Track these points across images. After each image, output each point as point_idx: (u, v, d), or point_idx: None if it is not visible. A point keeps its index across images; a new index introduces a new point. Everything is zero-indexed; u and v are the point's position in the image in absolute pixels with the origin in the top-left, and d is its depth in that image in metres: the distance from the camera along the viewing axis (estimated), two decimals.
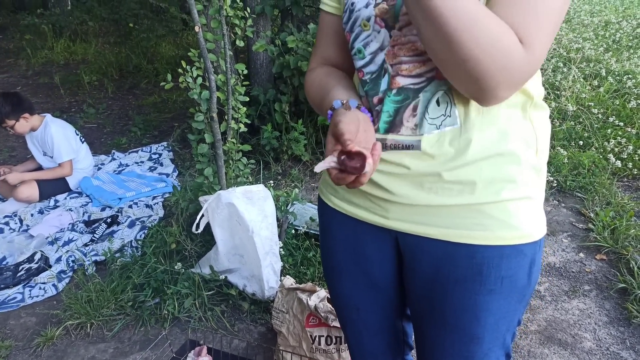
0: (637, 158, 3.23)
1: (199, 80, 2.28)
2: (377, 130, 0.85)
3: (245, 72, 2.50)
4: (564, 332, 2.04)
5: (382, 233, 0.91)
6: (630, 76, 4.75)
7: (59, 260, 2.52)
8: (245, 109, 2.53)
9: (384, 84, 0.84)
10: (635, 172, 3.15)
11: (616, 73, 4.94)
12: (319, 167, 0.76)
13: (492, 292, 0.85)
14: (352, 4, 0.86)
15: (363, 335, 1.07)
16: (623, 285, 2.22)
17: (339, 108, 0.82)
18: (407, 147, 0.83)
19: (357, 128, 0.76)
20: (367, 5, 0.84)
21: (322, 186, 1.03)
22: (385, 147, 0.85)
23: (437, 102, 0.80)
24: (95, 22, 8.34)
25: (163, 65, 6.33)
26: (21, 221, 2.97)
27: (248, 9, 2.40)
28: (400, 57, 0.81)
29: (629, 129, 3.62)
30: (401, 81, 0.82)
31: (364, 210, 0.92)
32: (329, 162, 0.76)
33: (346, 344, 1.72)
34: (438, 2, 0.65)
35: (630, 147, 3.31)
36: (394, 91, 0.83)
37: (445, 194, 0.81)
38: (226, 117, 2.43)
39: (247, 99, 2.53)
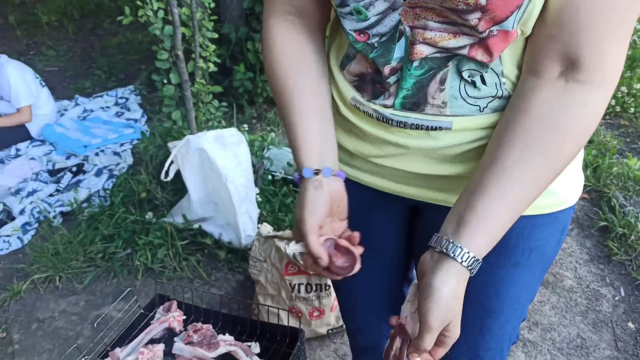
0: (619, 95, 3.17)
1: (161, 13, 2.07)
2: (392, 106, 0.68)
3: (213, 5, 2.30)
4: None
5: (392, 199, 0.79)
6: None
7: (22, 212, 2.38)
8: (214, 47, 2.34)
9: (398, 51, 0.64)
10: (617, 110, 3.10)
11: None
12: (292, 249, 0.73)
13: (517, 265, 0.75)
14: None
15: (358, 301, 0.99)
16: (604, 223, 2.21)
17: (309, 179, 0.70)
18: (435, 129, 0.67)
19: (325, 214, 0.70)
20: None
21: None
22: (404, 126, 0.68)
23: (482, 80, 0.63)
24: None
25: (127, 2, 5.91)
26: None
27: None
28: (425, 20, 0.60)
29: None
30: (425, 50, 0.62)
31: (372, 176, 0.78)
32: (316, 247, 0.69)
33: (327, 291, 1.67)
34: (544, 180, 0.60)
35: None
36: (416, 63, 0.63)
37: (474, 162, 0.68)
38: (193, 56, 2.24)
39: (216, 35, 2.34)
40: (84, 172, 2.68)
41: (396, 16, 0.61)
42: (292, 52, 0.73)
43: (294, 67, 0.73)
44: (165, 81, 2.38)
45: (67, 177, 2.64)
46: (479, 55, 0.60)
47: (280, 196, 2.27)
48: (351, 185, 0.76)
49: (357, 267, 0.70)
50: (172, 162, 2.00)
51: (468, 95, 0.64)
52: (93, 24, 5.60)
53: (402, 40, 0.63)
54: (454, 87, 0.64)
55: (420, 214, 0.83)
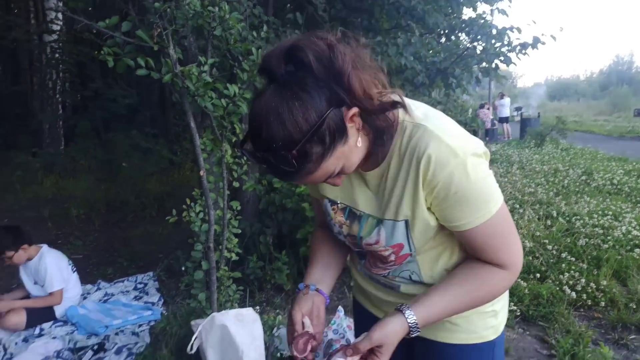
0: (590, 290, 3.55)
1: (200, 215, 2.59)
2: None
3: (239, 208, 2.84)
4: None
5: None
6: (578, 217, 5.30)
7: None
8: (237, 240, 2.81)
9: (362, 265, 1.21)
10: (589, 303, 3.45)
11: (566, 214, 5.51)
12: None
13: None
14: (330, 224, 1.17)
15: None
16: None
17: (302, 291, 1.15)
18: (392, 288, 1.17)
19: (308, 309, 1.11)
20: (339, 234, 1.17)
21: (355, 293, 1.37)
22: (378, 282, 1.20)
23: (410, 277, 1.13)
24: (86, 161, 8.86)
25: (150, 201, 6.69)
26: (5, 349, 2.98)
27: (244, 158, 2.83)
28: (370, 268, 1.18)
29: (581, 264, 4.00)
30: (372, 269, 1.18)
31: (375, 309, 1.28)
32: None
33: None
34: (444, 316, 1.03)
35: (583, 280, 3.65)
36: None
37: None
38: (220, 247, 2.69)
39: (240, 231, 2.83)
40: (105, 351, 2.89)
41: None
42: (321, 237, 1.28)
43: (319, 243, 1.27)
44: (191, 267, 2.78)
45: (88, 355, 2.84)
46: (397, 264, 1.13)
47: None
48: (368, 314, 1.28)
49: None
50: (196, 337, 2.27)
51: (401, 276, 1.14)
52: (118, 218, 6.26)
53: (364, 260, 1.20)
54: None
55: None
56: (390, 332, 0.96)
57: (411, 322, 0.97)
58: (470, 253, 1.05)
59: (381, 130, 0.94)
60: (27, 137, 11.87)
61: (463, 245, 1.07)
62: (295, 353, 1.03)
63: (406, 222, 1.01)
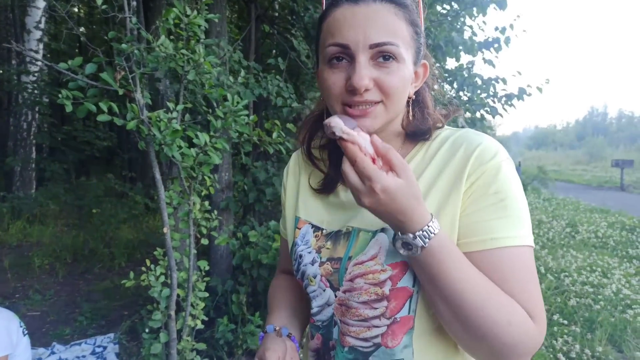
0: (585, 358, 3.31)
1: (162, 278, 2.32)
2: None
3: (207, 268, 2.58)
4: None
5: None
6: (566, 274, 5.12)
7: None
8: (203, 304, 2.53)
9: (335, 333, 0.87)
10: None
11: (554, 270, 5.33)
12: None
13: None
14: (300, 256, 0.91)
15: None
16: None
17: (271, 333, 0.92)
18: None
19: (283, 357, 0.85)
20: (312, 263, 0.88)
21: None
22: None
23: None
24: (57, 206, 8.47)
25: (120, 250, 6.32)
26: None
27: (215, 212, 2.59)
28: (347, 319, 0.84)
29: (574, 327, 3.77)
30: (350, 341, 0.84)
31: None
32: None
33: None
34: (451, 278, 0.71)
35: (577, 346, 3.41)
36: (346, 348, 0.84)
37: None
38: (183, 314, 2.41)
39: (207, 294, 2.56)
40: None
41: (330, 310, 0.87)
42: (285, 283, 1.08)
43: (282, 290, 1.06)
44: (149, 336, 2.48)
45: None
46: (389, 341, 0.80)
47: None
48: None
49: None
50: None
51: None
52: (84, 269, 5.87)
53: (337, 327, 0.86)
54: None
55: None
56: (412, 177, 0.71)
57: (430, 226, 0.71)
58: None
59: (423, 106, 0.91)
60: None
61: None
62: None
63: None
